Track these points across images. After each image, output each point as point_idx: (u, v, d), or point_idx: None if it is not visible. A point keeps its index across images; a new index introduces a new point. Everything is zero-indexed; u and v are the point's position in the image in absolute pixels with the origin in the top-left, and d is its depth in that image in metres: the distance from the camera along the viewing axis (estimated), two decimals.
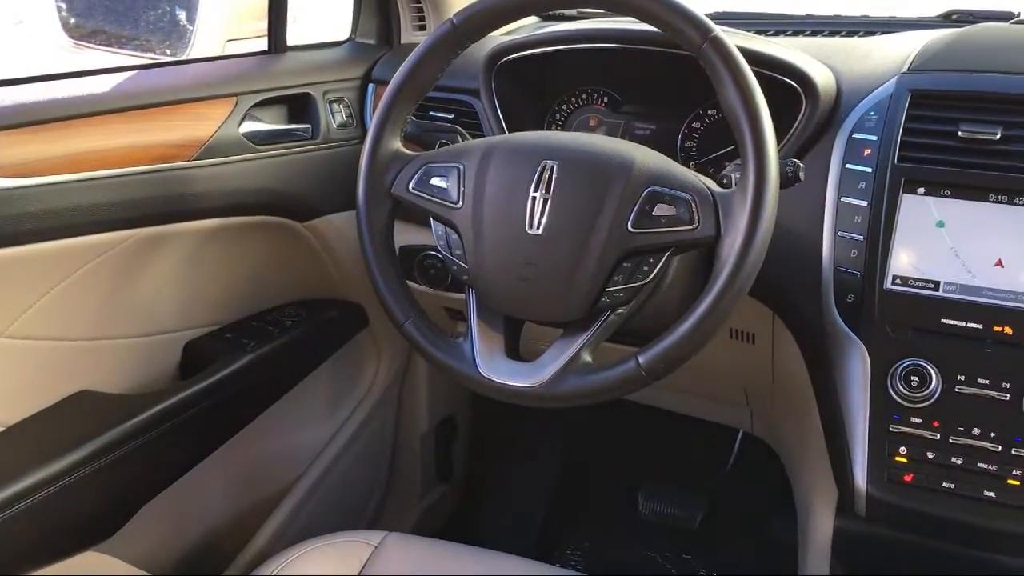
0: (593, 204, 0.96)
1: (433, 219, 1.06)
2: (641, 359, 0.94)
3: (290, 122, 1.45)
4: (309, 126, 1.45)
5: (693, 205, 0.94)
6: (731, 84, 0.93)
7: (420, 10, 1.59)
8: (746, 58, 0.94)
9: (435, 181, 1.05)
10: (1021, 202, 1.03)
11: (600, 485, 2.08)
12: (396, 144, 1.08)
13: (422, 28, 1.61)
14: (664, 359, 0.93)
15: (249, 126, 1.36)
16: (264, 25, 1.47)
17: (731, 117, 0.94)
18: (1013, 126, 1.06)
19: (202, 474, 1.39)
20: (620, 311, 0.98)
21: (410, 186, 1.06)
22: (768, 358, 1.26)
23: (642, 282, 0.96)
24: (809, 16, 1.68)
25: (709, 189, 0.96)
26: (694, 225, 0.94)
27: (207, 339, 1.42)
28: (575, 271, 0.96)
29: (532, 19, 1.72)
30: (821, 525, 1.22)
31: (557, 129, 1.42)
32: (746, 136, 0.92)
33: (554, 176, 0.98)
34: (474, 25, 1.04)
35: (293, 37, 1.51)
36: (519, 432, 2.08)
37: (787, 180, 0.99)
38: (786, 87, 1.17)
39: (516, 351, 1.04)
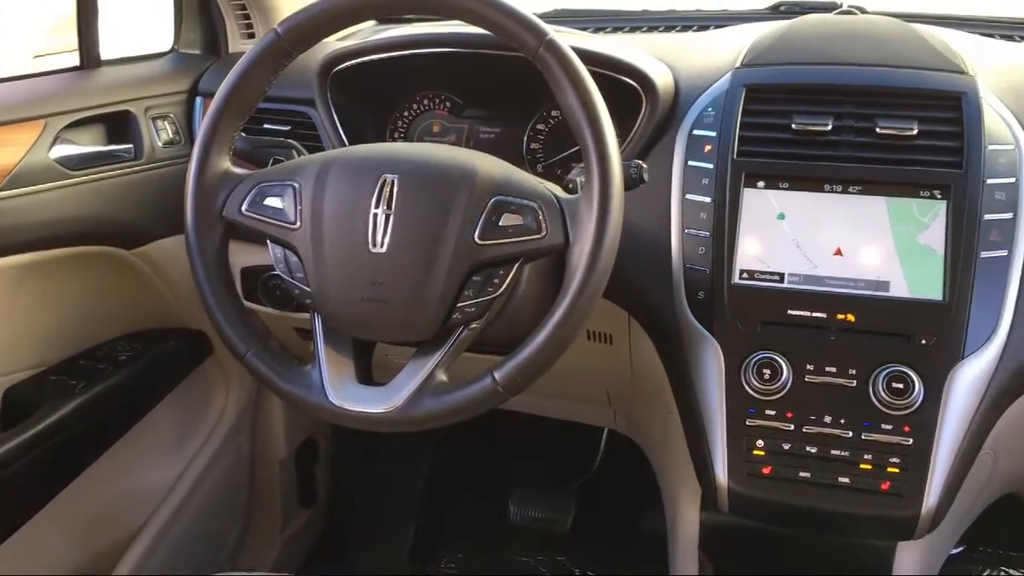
0: (438, 218, 0.93)
1: (270, 241, 1.00)
2: (497, 375, 0.91)
3: (109, 143, 1.34)
4: (131, 146, 1.35)
5: (540, 213, 0.92)
6: (569, 88, 0.91)
7: (247, 17, 1.51)
8: (584, 59, 0.93)
9: (270, 201, 0.99)
10: (854, 191, 1.05)
11: (469, 493, 2.05)
12: (225, 163, 1.01)
13: (251, 36, 1.53)
14: (520, 373, 0.91)
15: (61, 150, 1.25)
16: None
17: (572, 121, 0.92)
18: (842, 116, 1.08)
19: (35, 530, 1.27)
20: (473, 326, 0.95)
21: (243, 208, 0.99)
22: (626, 358, 1.26)
23: (493, 295, 0.93)
24: (645, 12, 1.71)
25: (555, 196, 0.94)
26: (542, 234, 0.92)
27: (29, 384, 1.30)
28: (423, 288, 0.93)
29: (369, 23, 1.67)
30: (688, 519, 1.23)
31: (399, 137, 1.37)
32: (588, 141, 0.91)
33: (395, 191, 0.94)
34: (300, 34, 0.99)
35: (114, 49, 1.40)
36: (383, 446, 2.03)
37: (631, 182, 0.98)
38: (625, 87, 1.17)
39: (368, 375, 1.00)
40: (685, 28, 1.57)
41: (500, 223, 0.92)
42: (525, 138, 1.32)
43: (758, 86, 1.13)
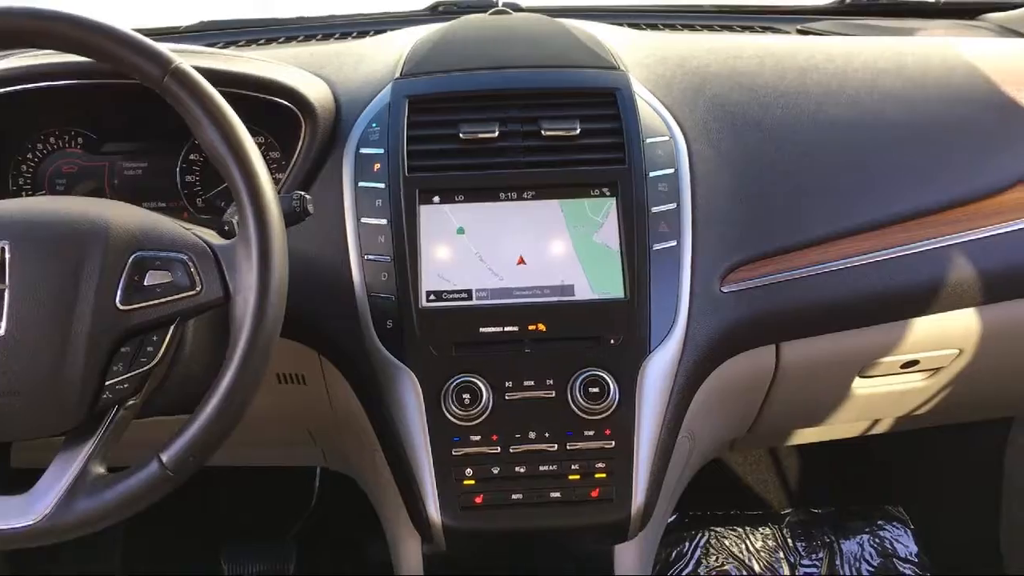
0: (67, 286, 0.79)
1: None
2: (165, 457, 0.79)
3: None
4: None
5: (191, 266, 0.82)
6: (205, 121, 0.82)
7: None
8: (230, 82, 0.85)
9: None
10: (529, 196, 1.04)
11: (177, 562, 1.85)
12: None
13: None
14: (191, 452, 0.80)
15: None
16: None
17: (214, 158, 0.82)
18: (508, 121, 1.06)
19: None
20: (131, 403, 0.83)
21: None
22: (324, 397, 1.17)
23: (149, 365, 0.82)
24: (300, 19, 1.61)
25: (207, 244, 0.84)
26: (197, 289, 0.82)
27: None
28: (60, 371, 0.78)
29: None
30: (411, 555, 1.18)
31: (26, 185, 1.18)
32: (235, 178, 0.81)
33: (7, 260, 0.79)
34: None
35: None
36: None
37: (294, 216, 0.90)
38: (282, 109, 1.07)
39: (3, 481, 0.83)
40: (344, 35, 1.49)
41: (145, 283, 0.81)
42: (178, 170, 1.19)
43: (420, 97, 1.08)
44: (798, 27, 1.58)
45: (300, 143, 1.07)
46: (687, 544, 1.78)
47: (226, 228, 0.90)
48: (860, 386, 1.26)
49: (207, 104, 0.81)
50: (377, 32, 1.46)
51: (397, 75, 1.11)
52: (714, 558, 1.77)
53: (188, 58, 0.85)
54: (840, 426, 1.47)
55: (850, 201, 1.11)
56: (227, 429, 0.80)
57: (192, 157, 1.19)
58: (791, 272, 1.07)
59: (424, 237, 1.02)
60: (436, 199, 1.03)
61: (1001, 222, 1.13)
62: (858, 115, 1.16)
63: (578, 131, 1.05)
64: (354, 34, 1.50)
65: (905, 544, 1.79)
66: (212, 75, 0.86)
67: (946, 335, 1.19)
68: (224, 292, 0.82)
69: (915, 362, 1.23)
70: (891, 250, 1.10)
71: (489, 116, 1.06)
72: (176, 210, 1.19)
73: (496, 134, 1.05)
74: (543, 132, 1.05)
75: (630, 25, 1.49)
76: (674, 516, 1.81)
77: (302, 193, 0.91)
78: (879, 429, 1.52)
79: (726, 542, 1.79)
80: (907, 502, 1.89)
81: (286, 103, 1.07)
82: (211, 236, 0.86)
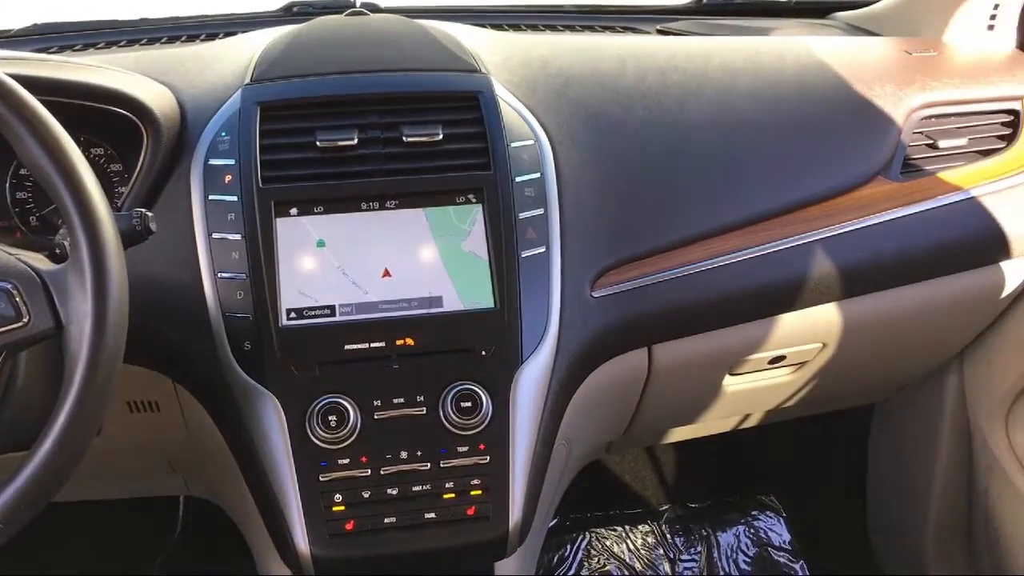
0: None
1: None
2: None
3: None
4: None
5: (16, 295, 0.74)
6: (26, 137, 0.74)
7: None
8: (53, 91, 0.78)
9: None
10: (392, 206, 0.99)
11: None
12: None
13: None
14: (23, 501, 0.72)
15: None
16: None
17: (39, 177, 0.75)
18: (367, 128, 1.02)
19: None
20: None
21: None
22: (180, 424, 1.10)
23: None
24: (144, 20, 1.52)
25: (34, 270, 0.76)
26: (23, 320, 0.74)
27: None
28: None
29: None
30: None
31: None
32: (63, 198, 0.74)
33: None
34: None
35: None
36: None
37: (135, 236, 0.83)
38: (121, 119, 1.00)
39: None
40: (191, 38, 1.41)
41: None
42: (7, 187, 1.09)
43: (273, 103, 1.02)
44: (658, 27, 1.59)
45: (141, 158, 1.00)
46: (568, 547, 1.78)
47: (57, 251, 0.83)
48: (730, 383, 1.28)
49: (26, 117, 0.74)
50: (226, 34, 1.38)
51: (247, 80, 1.06)
52: (596, 559, 1.77)
53: (7, 66, 0.78)
54: (713, 422, 1.49)
55: (714, 201, 1.11)
56: (64, 473, 0.73)
57: (24, 172, 1.09)
58: (660, 274, 1.07)
59: (282, 252, 0.96)
60: (293, 211, 0.98)
61: (858, 217, 1.16)
62: (717, 115, 1.17)
63: (440, 136, 1.02)
64: (202, 37, 1.42)
65: (779, 533, 1.84)
66: (35, 84, 0.79)
67: (810, 330, 1.21)
68: (55, 322, 0.74)
69: (782, 357, 1.25)
70: (756, 248, 1.11)
71: (347, 123, 1.02)
72: (8, 230, 1.09)
73: (355, 141, 1.00)
74: (404, 138, 1.01)
75: (491, 26, 1.46)
76: (555, 520, 1.80)
77: (143, 210, 0.84)
78: (750, 423, 1.55)
79: (607, 542, 1.79)
80: (779, 491, 1.94)
81: (126, 113, 1.00)
82: (39, 261, 0.79)
